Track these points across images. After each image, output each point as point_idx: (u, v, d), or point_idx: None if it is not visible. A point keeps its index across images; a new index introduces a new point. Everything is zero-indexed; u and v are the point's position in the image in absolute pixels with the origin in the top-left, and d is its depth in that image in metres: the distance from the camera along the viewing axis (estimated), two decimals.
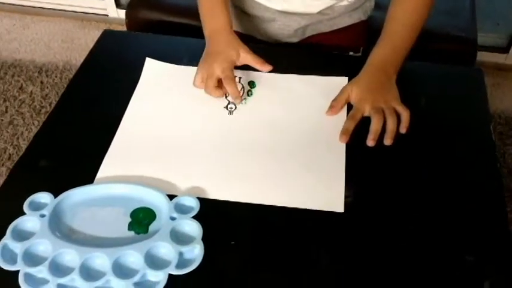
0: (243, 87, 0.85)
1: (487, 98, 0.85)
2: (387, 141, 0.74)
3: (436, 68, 0.90)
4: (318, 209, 0.68)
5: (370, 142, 0.74)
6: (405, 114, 0.77)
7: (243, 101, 0.82)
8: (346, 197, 0.69)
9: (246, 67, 0.88)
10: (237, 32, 0.99)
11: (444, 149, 0.77)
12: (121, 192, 0.68)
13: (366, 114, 0.78)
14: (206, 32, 0.88)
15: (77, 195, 0.68)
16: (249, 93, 0.84)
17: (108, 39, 0.99)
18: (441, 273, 0.62)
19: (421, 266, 0.63)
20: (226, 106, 0.82)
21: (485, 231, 0.67)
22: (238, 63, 0.85)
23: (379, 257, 0.64)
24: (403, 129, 0.76)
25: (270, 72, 0.86)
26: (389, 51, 0.83)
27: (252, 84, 0.86)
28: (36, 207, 0.67)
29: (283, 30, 1.00)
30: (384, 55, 0.83)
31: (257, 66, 0.85)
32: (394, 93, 0.80)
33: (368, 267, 0.63)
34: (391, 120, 0.76)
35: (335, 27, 1.01)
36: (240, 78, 0.86)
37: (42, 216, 0.66)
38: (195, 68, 0.85)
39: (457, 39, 1.15)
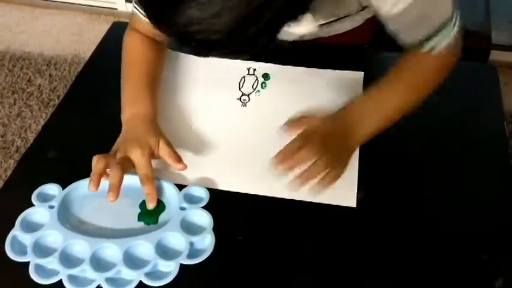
0: (257, 79, 0.85)
1: (501, 95, 0.83)
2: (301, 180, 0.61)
3: None
4: (329, 203, 0.67)
5: (277, 161, 0.62)
6: (332, 174, 0.63)
7: (257, 93, 0.80)
8: (358, 193, 0.69)
9: (260, 58, 0.86)
10: None
11: (457, 146, 0.76)
12: (129, 183, 0.67)
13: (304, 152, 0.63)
14: (125, 115, 0.73)
15: (85, 186, 0.68)
16: (262, 85, 0.84)
17: (117, 31, 0.98)
18: (455, 270, 0.62)
19: (434, 264, 0.62)
20: (240, 98, 0.82)
21: (498, 228, 0.66)
22: (155, 156, 0.69)
23: (391, 254, 0.63)
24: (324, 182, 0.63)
25: (284, 64, 0.85)
26: (373, 110, 0.70)
27: (266, 76, 0.85)
28: (45, 198, 0.67)
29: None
30: (365, 110, 0.70)
31: (170, 162, 0.69)
32: (345, 160, 0.67)
33: (380, 264, 0.62)
34: (318, 168, 0.62)
35: (333, 33, 0.88)
36: (254, 69, 0.86)
37: (51, 207, 0.65)
38: (209, 58, 0.82)
39: (471, 35, 1.13)
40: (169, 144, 0.70)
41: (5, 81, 1.81)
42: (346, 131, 0.68)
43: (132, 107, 0.74)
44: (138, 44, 0.80)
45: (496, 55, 1.73)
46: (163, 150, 0.69)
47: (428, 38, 0.69)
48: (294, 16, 0.49)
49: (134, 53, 0.79)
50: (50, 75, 1.83)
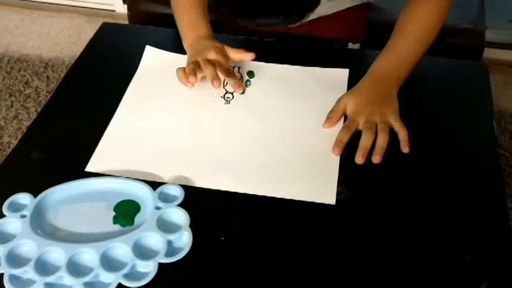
0: (241, 76, 0.84)
1: (491, 93, 0.82)
2: (375, 158, 0.70)
3: (438, 61, 0.88)
4: (309, 200, 0.67)
5: (359, 159, 0.70)
6: (403, 133, 0.73)
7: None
8: (339, 192, 0.68)
9: None
10: (225, 12, 1.00)
11: (444, 145, 0.75)
12: (102, 187, 0.67)
13: (360, 127, 0.74)
14: (187, 41, 0.87)
15: (56, 193, 0.67)
16: (247, 83, 0.83)
17: (107, 32, 0.98)
18: (437, 272, 0.60)
19: (417, 265, 0.61)
20: (224, 95, 0.81)
21: (483, 229, 0.64)
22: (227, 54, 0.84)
23: (372, 254, 0.62)
24: (404, 149, 0.72)
25: (270, 62, 0.85)
26: (393, 63, 0.79)
27: (250, 74, 0.85)
28: (16, 208, 0.66)
29: None
30: (387, 66, 0.79)
31: (241, 56, 0.84)
32: (393, 106, 0.76)
33: (360, 264, 0.61)
34: (382, 137, 0.72)
35: (336, 10, 0.97)
36: (239, 68, 0.85)
37: (23, 216, 0.65)
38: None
39: (464, 32, 1.12)
40: (232, 47, 0.84)
41: (3, 84, 1.82)
42: (381, 90, 0.77)
43: (192, 32, 0.87)
44: None
45: (496, 54, 1.73)
46: (229, 49, 0.83)
47: None
48: None
49: None
50: (48, 77, 1.83)
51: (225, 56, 0.82)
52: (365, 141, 0.72)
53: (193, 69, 0.80)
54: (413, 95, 0.81)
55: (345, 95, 0.78)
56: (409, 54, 0.80)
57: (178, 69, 0.82)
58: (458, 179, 0.70)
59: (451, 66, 0.88)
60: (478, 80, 0.85)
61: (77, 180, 0.69)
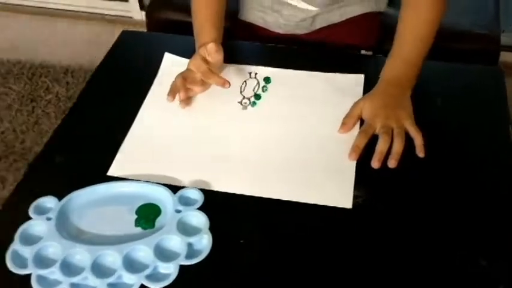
0: (258, 82, 0.85)
1: (506, 97, 0.82)
2: (391, 162, 0.71)
3: (454, 66, 0.88)
4: (325, 204, 0.68)
5: (376, 163, 0.71)
6: (418, 138, 0.74)
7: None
8: (356, 196, 0.69)
9: (261, 62, 0.88)
10: (241, 21, 1.00)
11: (459, 150, 0.75)
12: (124, 190, 0.69)
13: (376, 131, 0.75)
14: (197, 47, 0.89)
15: (80, 197, 0.70)
16: (263, 89, 0.85)
17: (126, 39, 1.00)
18: (454, 276, 0.61)
19: (433, 269, 0.62)
20: (241, 101, 0.83)
21: (500, 234, 0.65)
22: (209, 59, 0.85)
23: (389, 258, 0.63)
24: (420, 154, 0.73)
25: (285, 68, 0.87)
26: (402, 67, 0.81)
27: (267, 80, 0.86)
28: (42, 211, 0.68)
29: (291, 20, 1.00)
30: (397, 69, 0.81)
31: (211, 53, 0.84)
32: (408, 110, 0.77)
33: (376, 268, 0.62)
34: (398, 142, 0.73)
35: (345, 17, 0.99)
36: (255, 74, 0.87)
37: (49, 219, 0.67)
38: None
39: (479, 38, 1.12)
40: (214, 44, 0.83)
41: (24, 89, 1.86)
42: (395, 94, 0.79)
43: (200, 39, 0.89)
44: None
45: (509, 57, 1.71)
46: (209, 46, 0.83)
47: None
48: None
49: None
50: (67, 83, 1.87)
51: (205, 60, 0.84)
52: (381, 146, 0.73)
53: (172, 89, 0.83)
54: (429, 100, 0.81)
55: (360, 99, 0.80)
56: (414, 54, 0.82)
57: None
58: (474, 184, 0.71)
59: (466, 71, 0.88)
60: (493, 84, 0.85)
61: (100, 184, 0.71)
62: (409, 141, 0.74)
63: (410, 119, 0.76)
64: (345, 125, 0.77)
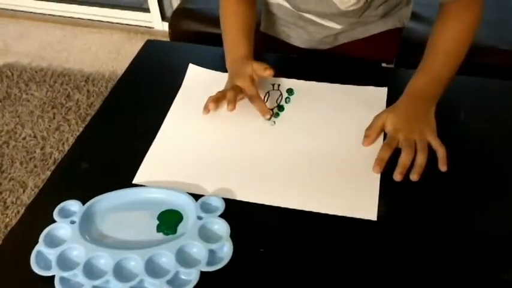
0: (281, 94, 0.86)
1: None
2: (413, 176, 0.71)
3: (478, 81, 0.88)
4: (350, 215, 0.68)
5: (398, 176, 0.71)
6: (441, 151, 0.73)
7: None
8: (379, 206, 0.69)
9: (285, 74, 0.89)
10: (265, 34, 1.02)
11: (482, 164, 0.75)
12: (147, 196, 0.70)
13: (399, 145, 0.75)
14: (228, 62, 0.90)
15: (104, 201, 0.70)
16: (287, 100, 0.85)
17: (150, 48, 1.02)
18: None
19: (457, 284, 0.61)
20: None
21: None
22: (255, 77, 0.85)
23: (411, 269, 0.63)
24: (443, 167, 0.72)
25: (308, 80, 0.88)
26: (428, 82, 0.80)
27: (290, 91, 0.87)
28: (66, 214, 0.69)
29: (315, 36, 1.00)
30: (423, 85, 0.80)
31: (260, 72, 0.84)
32: (431, 125, 0.77)
33: (399, 280, 0.62)
34: (422, 155, 0.73)
35: (368, 34, 1.00)
36: (278, 85, 0.88)
37: (73, 222, 0.68)
38: None
39: (501, 53, 1.12)
40: (260, 63, 0.84)
41: (46, 96, 1.89)
42: (419, 110, 0.79)
43: (231, 54, 0.90)
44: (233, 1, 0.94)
45: None
46: (255, 65, 0.84)
47: None
48: None
49: (230, 7, 0.94)
50: (88, 91, 1.90)
51: (254, 81, 0.85)
52: (404, 159, 0.73)
53: (217, 97, 0.83)
54: (452, 115, 0.81)
55: (383, 112, 0.79)
56: (444, 71, 0.81)
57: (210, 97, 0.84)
58: (497, 198, 0.70)
59: (490, 86, 0.88)
60: None
61: (123, 189, 0.72)
62: (432, 155, 0.74)
63: (432, 133, 0.76)
64: (368, 137, 0.77)
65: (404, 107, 0.79)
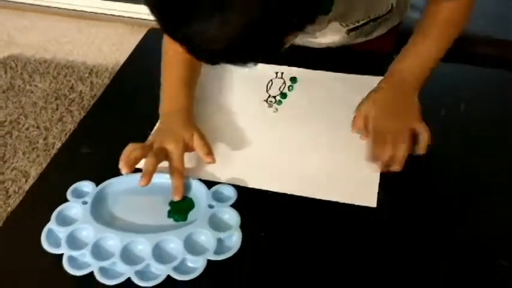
0: (284, 82, 0.87)
1: None
2: (395, 167, 0.69)
3: (473, 70, 0.88)
4: (350, 202, 0.68)
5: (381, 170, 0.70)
6: (425, 135, 0.71)
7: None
8: (379, 193, 0.69)
9: (289, 62, 0.89)
10: None
11: (479, 153, 0.75)
12: (160, 181, 0.70)
13: (388, 141, 0.71)
14: (163, 109, 0.77)
15: (117, 184, 0.71)
16: (290, 88, 0.86)
17: (152, 37, 1.02)
18: (475, 278, 0.61)
19: (454, 270, 0.62)
20: (267, 99, 0.84)
21: None
22: (189, 148, 0.72)
23: (409, 256, 0.64)
24: (419, 151, 0.70)
25: (311, 69, 0.88)
26: (414, 65, 0.76)
27: (293, 79, 0.87)
28: (79, 194, 0.70)
29: (318, 45, 0.97)
30: (408, 69, 0.76)
31: (200, 154, 0.72)
32: (415, 112, 0.73)
33: (397, 266, 0.63)
34: (404, 147, 0.69)
35: (370, 38, 0.96)
36: (282, 73, 0.88)
37: (85, 203, 0.68)
38: None
39: (499, 43, 1.12)
40: (202, 137, 0.73)
41: (49, 88, 1.90)
42: (401, 97, 0.75)
43: (170, 102, 0.77)
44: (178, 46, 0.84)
45: None
46: (196, 142, 0.72)
47: None
48: (300, 27, 0.50)
49: (174, 53, 0.81)
50: (91, 83, 1.91)
51: (187, 148, 0.72)
52: (386, 156, 0.70)
53: (135, 158, 0.68)
54: (452, 105, 0.81)
55: (364, 105, 0.75)
56: (432, 55, 0.77)
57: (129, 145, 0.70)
58: (496, 186, 0.71)
59: (486, 76, 0.88)
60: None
61: (137, 173, 0.70)
62: (435, 146, 0.74)
63: (416, 119, 0.72)
64: (359, 133, 0.76)
65: (386, 99, 0.75)
